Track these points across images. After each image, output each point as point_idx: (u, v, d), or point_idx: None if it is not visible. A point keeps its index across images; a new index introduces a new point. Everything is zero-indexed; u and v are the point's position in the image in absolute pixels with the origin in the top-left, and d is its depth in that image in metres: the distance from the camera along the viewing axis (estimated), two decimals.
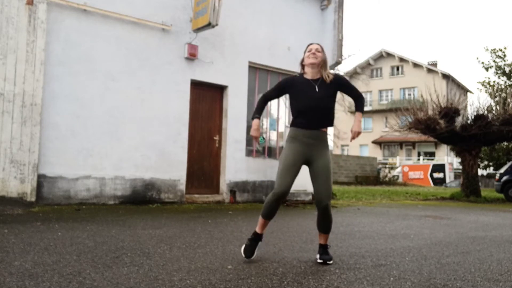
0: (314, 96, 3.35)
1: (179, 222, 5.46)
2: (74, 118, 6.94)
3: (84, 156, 7.00)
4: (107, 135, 7.23)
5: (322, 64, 3.44)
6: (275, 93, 3.57)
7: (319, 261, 3.36)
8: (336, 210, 8.21)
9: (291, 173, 3.33)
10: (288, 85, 3.48)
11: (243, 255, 3.38)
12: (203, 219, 5.84)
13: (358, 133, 3.42)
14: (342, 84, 3.49)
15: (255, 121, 3.43)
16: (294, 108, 3.44)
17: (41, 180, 6.60)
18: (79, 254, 3.37)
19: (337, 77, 3.48)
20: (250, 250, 3.39)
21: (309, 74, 3.46)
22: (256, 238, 3.43)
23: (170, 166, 7.86)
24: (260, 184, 8.90)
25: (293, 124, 3.45)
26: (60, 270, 2.86)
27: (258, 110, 3.48)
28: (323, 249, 3.42)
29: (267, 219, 3.42)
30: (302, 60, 3.53)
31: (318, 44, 3.54)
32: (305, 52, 3.51)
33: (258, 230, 3.45)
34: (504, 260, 3.77)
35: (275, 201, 3.34)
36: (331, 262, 3.35)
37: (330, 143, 33.65)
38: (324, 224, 3.41)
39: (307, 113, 3.36)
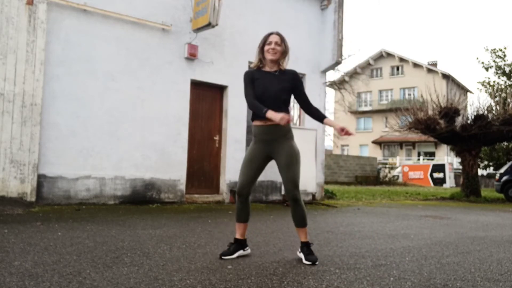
0: (266, 85, 3.37)
1: (179, 222, 5.46)
2: (74, 118, 6.94)
3: (84, 156, 7.00)
4: (107, 135, 7.23)
5: (280, 55, 3.42)
6: (251, 88, 3.43)
7: (306, 262, 3.30)
8: (336, 210, 8.21)
9: (248, 171, 3.40)
10: (251, 77, 3.44)
11: (218, 255, 3.39)
12: (203, 219, 5.84)
13: (283, 118, 3.19)
14: (296, 84, 3.45)
15: (270, 112, 3.22)
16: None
17: (41, 180, 6.60)
18: (79, 254, 3.37)
19: (294, 74, 3.48)
20: (226, 251, 3.42)
21: (267, 65, 3.46)
22: (236, 243, 3.47)
23: (170, 166, 7.86)
24: (260, 184, 8.89)
25: (252, 116, 3.46)
26: (60, 270, 2.86)
27: (262, 105, 3.32)
28: (307, 249, 3.39)
29: (239, 221, 3.48)
30: (262, 50, 3.42)
31: (278, 34, 3.43)
32: (264, 42, 3.42)
33: (236, 235, 3.50)
34: (504, 260, 3.77)
35: (238, 200, 3.43)
36: (317, 263, 3.32)
37: (330, 143, 33.01)
38: (297, 216, 3.39)
39: (260, 102, 3.35)
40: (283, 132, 3.41)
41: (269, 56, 3.40)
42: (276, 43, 3.39)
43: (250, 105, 3.42)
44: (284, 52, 3.45)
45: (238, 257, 3.44)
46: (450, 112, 13.54)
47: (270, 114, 3.21)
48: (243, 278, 2.83)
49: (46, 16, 6.65)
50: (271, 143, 3.41)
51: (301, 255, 3.41)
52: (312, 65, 9.90)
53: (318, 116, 3.51)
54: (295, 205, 3.37)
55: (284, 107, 3.42)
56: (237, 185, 3.44)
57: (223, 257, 3.37)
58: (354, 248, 4.07)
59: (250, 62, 9.00)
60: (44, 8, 6.63)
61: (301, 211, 3.39)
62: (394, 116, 15.79)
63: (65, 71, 6.88)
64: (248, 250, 3.56)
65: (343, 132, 3.31)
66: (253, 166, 3.42)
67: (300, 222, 3.41)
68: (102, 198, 7.12)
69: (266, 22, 9.23)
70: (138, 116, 7.55)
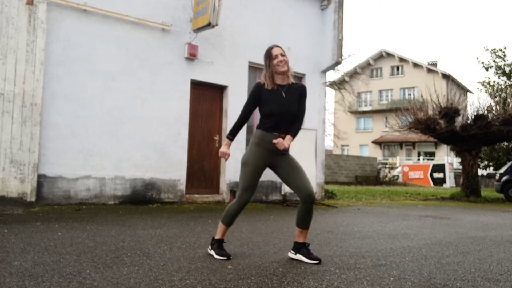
0: (281, 102, 3.38)
1: (179, 222, 5.46)
2: (74, 118, 6.94)
3: (84, 156, 7.00)
4: (107, 135, 7.23)
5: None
6: (252, 105, 3.46)
7: (310, 262, 3.32)
8: (336, 210, 8.21)
9: (255, 178, 3.42)
10: (259, 92, 3.44)
11: (224, 258, 3.38)
12: (203, 219, 5.84)
13: (285, 148, 3.33)
14: (302, 96, 3.51)
15: (227, 142, 3.42)
16: (263, 113, 3.44)
17: (41, 180, 6.60)
18: (79, 254, 3.37)
19: (302, 88, 3.53)
20: (224, 253, 3.43)
21: (278, 80, 3.46)
22: (219, 243, 3.50)
23: (170, 166, 7.86)
24: (260, 184, 8.84)
25: (260, 126, 3.44)
26: (60, 270, 2.86)
27: (233, 131, 3.44)
28: (307, 250, 3.41)
29: (228, 225, 3.52)
30: (269, 67, 3.42)
31: (277, 46, 3.47)
32: (268, 58, 3.42)
33: (218, 236, 3.52)
34: (504, 260, 3.77)
35: (240, 209, 3.45)
36: (320, 261, 3.36)
37: (330, 143, 33.00)
38: (308, 218, 3.41)
39: (274, 117, 3.37)
40: (289, 147, 3.46)
41: (280, 69, 3.41)
42: (281, 55, 3.42)
43: (238, 118, 3.48)
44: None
45: (233, 258, 3.43)
46: (450, 112, 13.54)
47: (223, 148, 3.44)
48: (243, 278, 2.83)
49: (46, 16, 6.65)
50: (276, 154, 3.42)
51: (300, 257, 3.41)
52: (312, 65, 9.90)
53: (289, 130, 3.44)
54: (310, 207, 3.37)
55: (296, 119, 3.45)
56: (247, 195, 3.40)
57: (230, 258, 3.37)
58: (354, 248, 4.07)
59: (250, 62, 9.01)
60: (44, 8, 6.63)
61: (312, 213, 3.42)
62: (394, 116, 15.79)
63: (65, 71, 6.88)
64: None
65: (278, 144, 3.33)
66: (259, 173, 3.45)
67: (308, 224, 3.44)
68: (102, 198, 7.12)
69: (266, 22, 9.24)
70: (138, 116, 7.55)
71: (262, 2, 9.28)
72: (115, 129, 7.32)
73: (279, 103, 3.37)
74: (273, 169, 3.50)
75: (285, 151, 3.40)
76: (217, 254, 3.43)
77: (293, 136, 3.44)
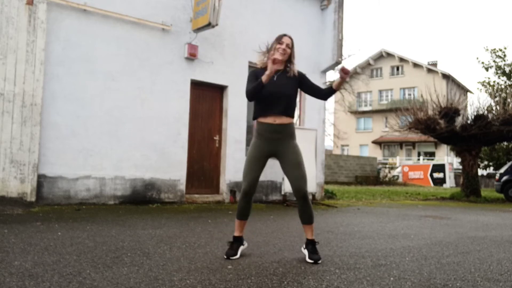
0: (273, 84, 3.38)
1: (179, 222, 5.46)
2: (74, 118, 6.94)
3: (84, 156, 7.00)
4: (107, 135, 7.23)
5: (288, 58, 3.50)
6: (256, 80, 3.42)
7: (308, 260, 3.35)
8: (336, 210, 8.21)
9: (256, 169, 3.43)
10: (255, 74, 3.46)
11: (225, 256, 3.41)
12: (203, 219, 5.84)
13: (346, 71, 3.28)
14: (305, 81, 3.53)
15: (265, 75, 3.23)
16: (257, 98, 3.44)
17: (41, 180, 6.60)
18: (79, 254, 3.37)
19: (300, 73, 3.55)
20: (231, 251, 3.44)
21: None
22: (235, 241, 3.51)
23: (170, 166, 7.86)
24: (260, 184, 8.86)
25: (256, 114, 3.46)
26: (60, 270, 2.86)
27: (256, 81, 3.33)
28: (312, 247, 3.43)
29: (239, 218, 3.51)
30: (270, 49, 3.49)
31: (290, 38, 3.53)
32: (275, 42, 3.49)
33: (235, 233, 3.54)
34: (504, 260, 3.77)
35: (243, 198, 3.46)
36: (320, 262, 3.35)
37: (330, 143, 33.10)
38: (306, 214, 3.44)
39: (266, 100, 3.38)
40: (290, 131, 3.46)
41: (277, 55, 3.45)
42: (287, 45, 3.48)
43: (248, 92, 3.40)
44: (291, 56, 3.51)
45: (239, 256, 3.45)
46: (450, 112, 13.54)
47: (266, 76, 3.23)
48: (243, 278, 2.83)
49: (46, 16, 6.65)
50: (277, 142, 3.43)
51: (305, 252, 3.46)
52: (312, 65, 9.89)
53: (330, 91, 3.50)
54: (304, 202, 3.41)
55: (290, 104, 3.44)
56: (244, 184, 3.42)
57: (230, 258, 3.38)
58: (354, 248, 4.07)
59: (250, 62, 9.00)
60: (44, 8, 6.63)
61: (310, 208, 3.44)
62: (394, 116, 15.80)
63: (65, 71, 6.88)
64: (245, 244, 3.61)
65: (344, 73, 3.28)
66: (259, 164, 3.45)
67: (308, 219, 3.46)
68: (102, 198, 7.12)
69: (266, 22, 9.23)
70: (138, 116, 7.55)
71: (262, 2, 9.28)
72: (115, 129, 7.32)
73: (269, 84, 3.35)
74: (278, 160, 3.50)
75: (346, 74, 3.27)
76: (226, 251, 3.48)
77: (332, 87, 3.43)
